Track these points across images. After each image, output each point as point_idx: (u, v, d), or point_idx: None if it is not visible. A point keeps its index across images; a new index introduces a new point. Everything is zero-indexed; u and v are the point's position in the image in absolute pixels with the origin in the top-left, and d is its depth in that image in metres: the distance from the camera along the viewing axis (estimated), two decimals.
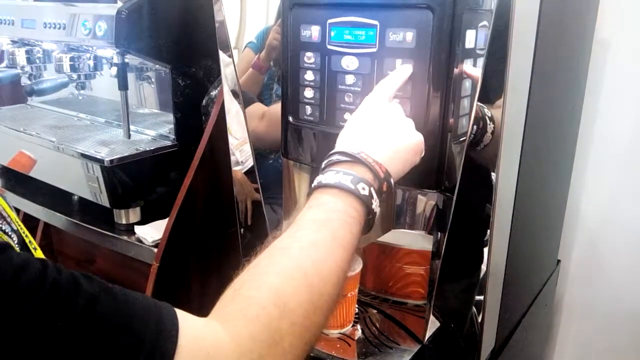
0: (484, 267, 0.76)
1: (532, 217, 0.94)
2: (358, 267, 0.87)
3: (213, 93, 1.22)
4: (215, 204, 1.20)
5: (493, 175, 0.71)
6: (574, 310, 1.35)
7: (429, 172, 0.73)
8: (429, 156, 0.72)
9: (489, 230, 0.73)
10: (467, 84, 0.71)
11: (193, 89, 1.25)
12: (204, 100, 1.24)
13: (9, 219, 0.66)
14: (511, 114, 0.69)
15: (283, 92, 0.83)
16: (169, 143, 1.27)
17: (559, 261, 1.26)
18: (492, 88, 0.68)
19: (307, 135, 0.82)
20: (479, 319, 0.78)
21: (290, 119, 0.83)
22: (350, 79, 0.74)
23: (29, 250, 0.68)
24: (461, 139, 0.72)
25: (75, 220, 1.27)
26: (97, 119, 1.46)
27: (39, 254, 0.70)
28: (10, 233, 0.64)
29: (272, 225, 0.99)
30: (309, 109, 0.80)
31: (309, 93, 0.79)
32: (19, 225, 0.68)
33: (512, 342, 0.93)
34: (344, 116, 0.77)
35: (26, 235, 0.68)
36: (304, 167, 0.94)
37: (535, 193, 0.93)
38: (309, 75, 0.78)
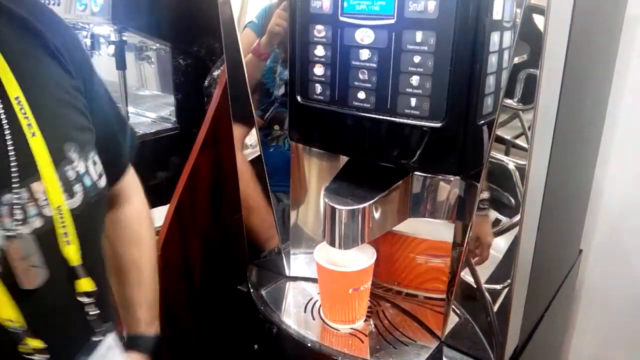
0: (509, 259, 0.70)
1: (560, 206, 0.88)
2: (371, 258, 0.82)
3: (215, 73, 1.17)
4: (219, 190, 1.16)
5: (524, 160, 0.64)
6: (594, 301, 1.32)
7: (451, 156, 0.67)
8: (451, 139, 0.66)
9: (517, 220, 0.67)
10: (494, 59, 0.65)
11: (195, 68, 1.21)
12: (206, 81, 1.20)
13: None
14: (546, 95, 0.63)
15: (290, 70, 0.78)
16: (169, 126, 1.24)
17: (580, 251, 1.21)
18: (522, 65, 0.62)
19: (317, 116, 0.77)
20: (504, 315, 0.72)
21: (299, 98, 0.77)
22: (365, 54, 0.69)
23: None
24: (487, 120, 0.66)
25: None
26: None
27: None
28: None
29: (278, 212, 0.94)
30: (319, 88, 0.75)
31: (319, 70, 0.74)
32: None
33: (535, 338, 0.87)
34: (357, 95, 0.71)
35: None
36: (313, 150, 0.89)
37: (564, 180, 0.87)
38: (319, 51, 0.73)
